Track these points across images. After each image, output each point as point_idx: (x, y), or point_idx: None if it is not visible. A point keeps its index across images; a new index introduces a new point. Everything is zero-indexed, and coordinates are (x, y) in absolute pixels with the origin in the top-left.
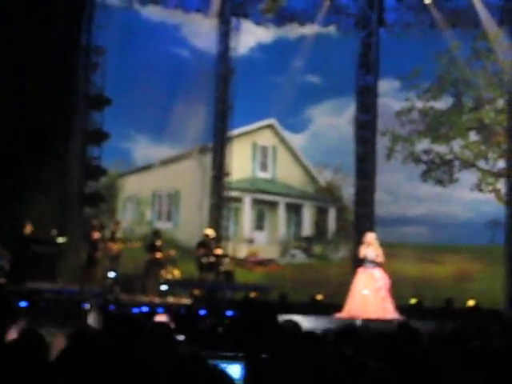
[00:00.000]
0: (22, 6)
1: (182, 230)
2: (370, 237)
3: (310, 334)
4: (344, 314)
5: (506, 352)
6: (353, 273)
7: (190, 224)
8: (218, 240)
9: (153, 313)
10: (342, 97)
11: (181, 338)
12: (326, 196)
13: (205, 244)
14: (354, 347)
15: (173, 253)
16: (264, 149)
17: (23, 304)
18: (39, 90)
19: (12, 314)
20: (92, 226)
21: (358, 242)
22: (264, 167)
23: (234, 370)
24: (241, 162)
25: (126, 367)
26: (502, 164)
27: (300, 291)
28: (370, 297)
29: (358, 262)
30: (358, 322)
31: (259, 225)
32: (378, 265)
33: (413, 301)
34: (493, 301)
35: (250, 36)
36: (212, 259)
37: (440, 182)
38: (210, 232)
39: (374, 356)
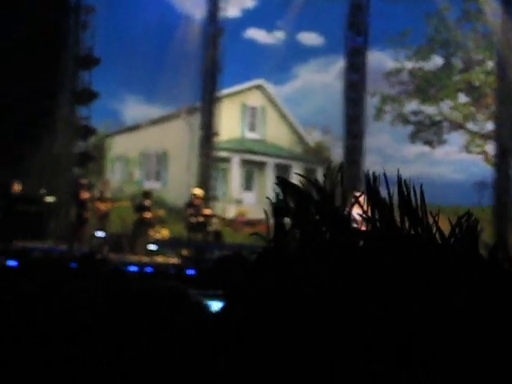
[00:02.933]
0: None
1: (171, 190)
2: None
3: None
4: None
5: None
6: None
7: (178, 184)
8: (207, 200)
9: (141, 272)
10: (331, 56)
11: None
12: (314, 157)
13: (193, 204)
14: None
15: (161, 213)
16: (253, 109)
17: (12, 263)
18: (28, 48)
19: None
20: (81, 186)
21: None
22: (253, 127)
23: (216, 307)
24: (229, 123)
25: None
26: (490, 126)
27: None
28: None
29: None
30: None
31: (248, 185)
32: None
33: None
34: None
35: None
36: (200, 219)
37: (428, 143)
38: (199, 192)
39: None
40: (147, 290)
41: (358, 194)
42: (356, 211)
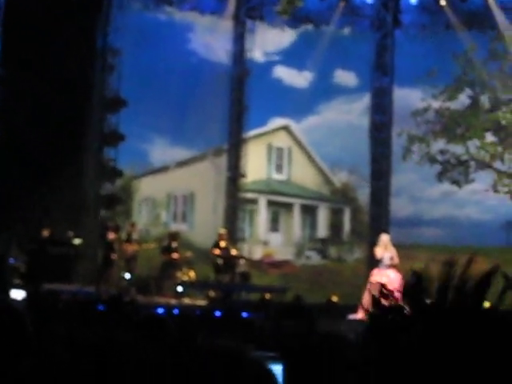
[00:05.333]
0: (38, 8)
1: (197, 232)
2: (386, 238)
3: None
4: (359, 314)
5: None
6: (367, 274)
7: (205, 225)
8: (234, 241)
9: (169, 314)
10: (358, 94)
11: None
12: (340, 197)
13: (220, 245)
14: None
15: (188, 254)
16: (279, 150)
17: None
18: (55, 91)
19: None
20: (108, 228)
21: (373, 243)
22: (279, 169)
23: (276, 370)
24: (256, 164)
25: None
26: None
27: (315, 293)
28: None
29: (373, 264)
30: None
31: (274, 226)
32: (393, 266)
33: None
34: (509, 302)
35: (265, 37)
36: (227, 260)
37: (455, 183)
38: (224, 231)
39: None
40: (210, 351)
41: (385, 235)
42: (385, 253)
